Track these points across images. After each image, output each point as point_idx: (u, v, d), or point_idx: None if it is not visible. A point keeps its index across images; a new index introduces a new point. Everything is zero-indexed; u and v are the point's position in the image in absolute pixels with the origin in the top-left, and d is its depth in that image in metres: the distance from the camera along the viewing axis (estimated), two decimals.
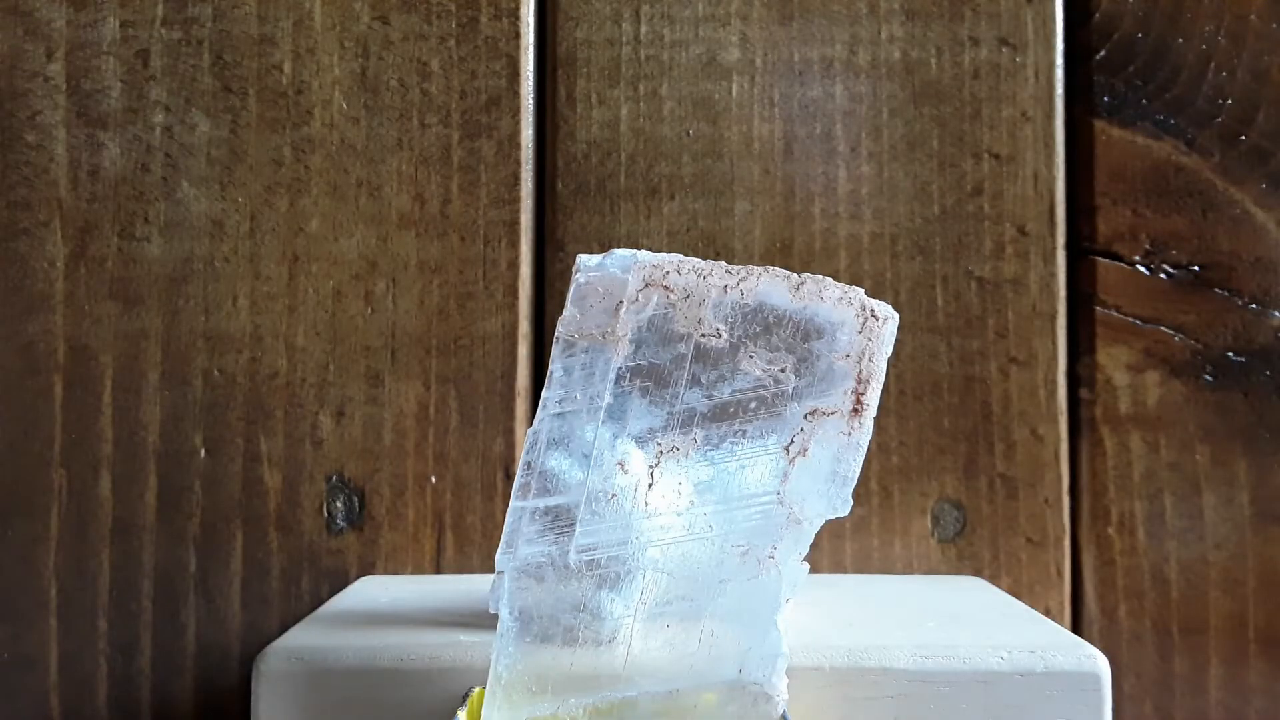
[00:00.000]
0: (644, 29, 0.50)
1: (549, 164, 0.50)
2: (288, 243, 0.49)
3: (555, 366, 0.31)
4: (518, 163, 0.49)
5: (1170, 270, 0.49)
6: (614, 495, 0.31)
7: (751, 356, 0.31)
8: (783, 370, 0.31)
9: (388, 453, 0.48)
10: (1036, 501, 0.49)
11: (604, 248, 0.49)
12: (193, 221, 0.49)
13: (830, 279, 0.31)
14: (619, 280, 0.31)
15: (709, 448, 0.31)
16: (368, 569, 0.48)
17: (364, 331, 0.49)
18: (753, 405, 0.31)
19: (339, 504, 0.48)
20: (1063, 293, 0.49)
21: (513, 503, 0.31)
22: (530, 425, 0.49)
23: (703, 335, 0.31)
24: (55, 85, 0.49)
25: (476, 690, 0.32)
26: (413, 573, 0.48)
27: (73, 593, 0.48)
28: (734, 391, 0.31)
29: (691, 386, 0.31)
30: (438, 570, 0.48)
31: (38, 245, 0.49)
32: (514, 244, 0.49)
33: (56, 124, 0.49)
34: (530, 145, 0.50)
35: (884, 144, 0.49)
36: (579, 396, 0.31)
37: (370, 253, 0.49)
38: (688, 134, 0.49)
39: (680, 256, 0.32)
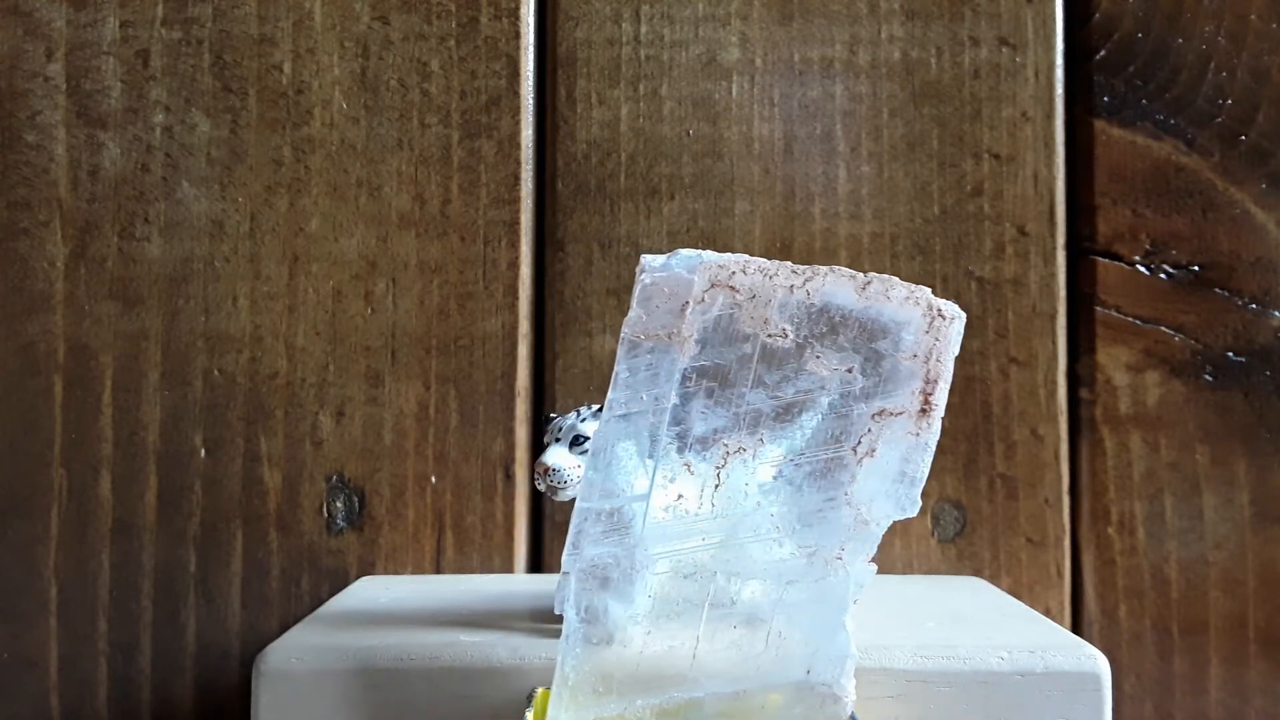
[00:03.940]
0: (644, 29, 0.50)
1: (549, 164, 0.50)
2: (288, 243, 0.49)
3: (620, 368, 0.31)
4: (518, 163, 0.49)
5: (1170, 270, 0.49)
6: (680, 496, 0.31)
7: (818, 357, 0.31)
8: (849, 370, 0.31)
9: (388, 453, 0.48)
10: (1036, 501, 0.49)
11: (604, 248, 0.49)
12: (193, 221, 0.49)
13: (896, 278, 0.31)
14: (684, 280, 0.31)
15: (775, 449, 0.31)
16: (368, 569, 0.48)
17: (364, 331, 0.49)
18: (816, 406, 0.31)
19: (339, 504, 0.48)
20: (1063, 293, 0.49)
21: (578, 504, 0.31)
22: (530, 425, 0.49)
23: (769, 336, 0.31)
24: (55, 85, 0.49)
25: (540, 691, 0.32)
26: (413, 573, 0.48)
27: (73, 593, 0.48)
28: (798, 392, 0.31)
29: (756, 387, 0.31)
30: (438, 570, 0.48)
31: (38, 245, 0.49)
32: (514, 244, 0.49)
33: (56, 124, 0.49)
34: (530, 145, 0.50)
35: (884, 144, 0.49)
36: (644, 398, 0.31)
37: (370, 253, 0.49)
38: (688, 134, 0.49)
39: (746, 256, 0.31)
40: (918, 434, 0.31)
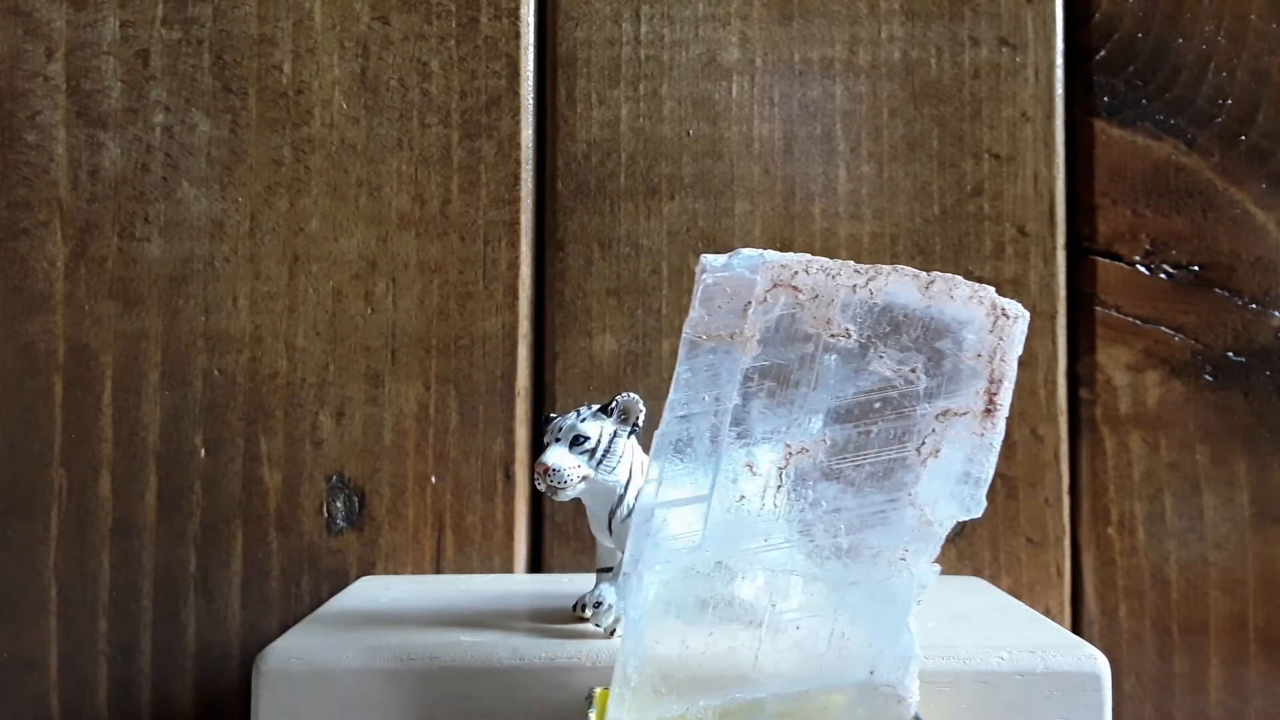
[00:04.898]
0: (644, 29, 0.50)
1: (549, 164, 0.50)
2: (288, 243, 0.49)
3: (681, 368, 0.31)
4: (518, 163, 0.49)
5: (1170, 270, 0.49)
6: (742, 497, 0.31)
7: (882, 356, 0.31)
8: (913, 370, 0.30)
9: (388, 453, 0.48)
10: (1036, 501, 0.49)
11: (604, 248, 0.49)
12: (193, 221, 0.49)
13: (960, 277, 0.31)
14: (746, 280, 0.31)
15: (837, 449, 0.31)
16: (368, 569, 0.48)
17: (364, 331, 0.49)
18: (878, 405, 0.31)
19: (339, 504, 0.48)
20: (1063, 293, 0.49)
21: (639, 504, 0.31)
22: (530, 425, 0.49)
23: (831, 335, 0.31)
24: (55, 85, 0.49)
25: (599, 691, 0.32)
26: (413, 573, 0.48)
27: (73, 593, 0.48)
28: (860, 392, 0.31)
29: (818, 387, 0.31)
30: (438, 570, 0.48)
31: (38, 245, 0.49)
32: (514, 244, 0.49)
33: (56, 124, 0.49)
34: (530, 145, 0.50)
35: (884, 144, 0.49)
36: (705, 398, 0.31)
37: (370, 253, 0.49)
38: (688, 134, 0.49)
39: (808, 256, 0.31)
40: (982, 434, 0.30)
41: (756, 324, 0.31)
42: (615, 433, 0.36)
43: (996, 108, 0.49)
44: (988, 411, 0.30)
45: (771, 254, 0.31)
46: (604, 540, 0.37)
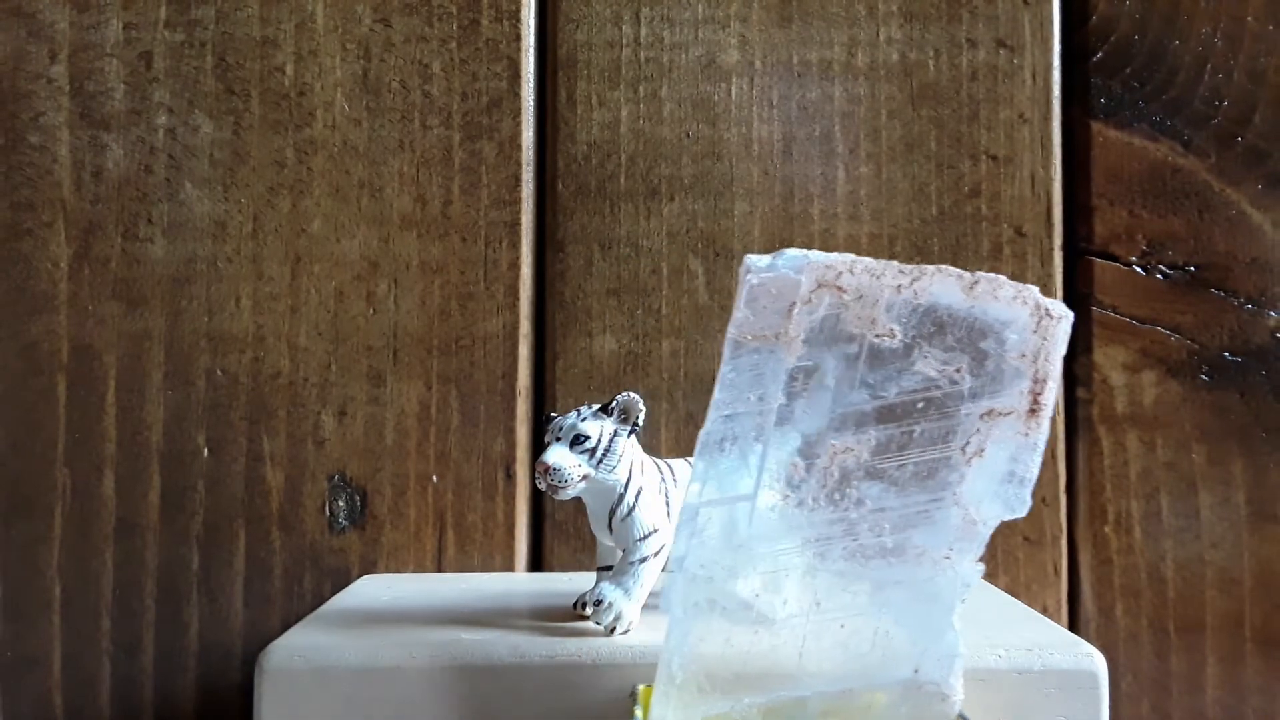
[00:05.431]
0: (644, 31, 0.50)
1: (549, 165, 0.50)
2: (290, 243, 0.49)
3: (725, 368, 0.31)
4: (518, 164, 0.49)
5: (1167, 271, 0.49)
6: (786, 496, 0.31)
7: (926, 356, 0.31)
8: (958, 370, 0.31)
9: (389, 452, 0.49)
10: (1034, 500, 0.49)
11: (604, 249, 0.49)
12: (196, 222, 0.49)
13: (1004, 278, 0.31)
14: (791, 281, 0.31)
15: (881, 449, 0.31)
16: (369, 568, 0.48)
17: (366, 332, 0.49)
18: (921, 405, 0.31)
19: (341, 503, 0.48)
20: (1060, 293, 0.49)
21: (685, 503, 0.31)
22: (530, 425, 0.50)
23: (876, 336, 0.31)
24: (59, 87, 0.49)
25: (643, 688, 0.32)
26: (414, 571, 0.48)
27: (75, 592, 0.48)
28: (901, 392, 0.31)
29: (862, 387, 0.31)
30: (439, 569, 0.49)
31: (41, 246, 0.49)
32: (515, 245, 0.49)
33: (60, 125, 0.49)
34: (531, 147, 0.50)
35: (882, 145, 0.50)
36: (749, 398, 0.31)
37: (372, 253, 0.49)
38: (687, 135, 0.50)
39: (852, 256, 0.31)
40: (1026, 434, 0.30)
41: (801, 324, 0.31)
42: (615, 432, 0.36)
43: (994, 109, 0.49)
44: (1032, 411, 0.30)
45: (816, 254, 0.31)
46: (604, 539, 0.37)
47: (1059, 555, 0.49)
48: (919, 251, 0.49)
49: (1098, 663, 0.34)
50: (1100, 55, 0.50)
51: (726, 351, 0.31)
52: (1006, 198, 0.49)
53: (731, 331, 0.31)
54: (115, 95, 0.49)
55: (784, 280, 0.31)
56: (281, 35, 0.50)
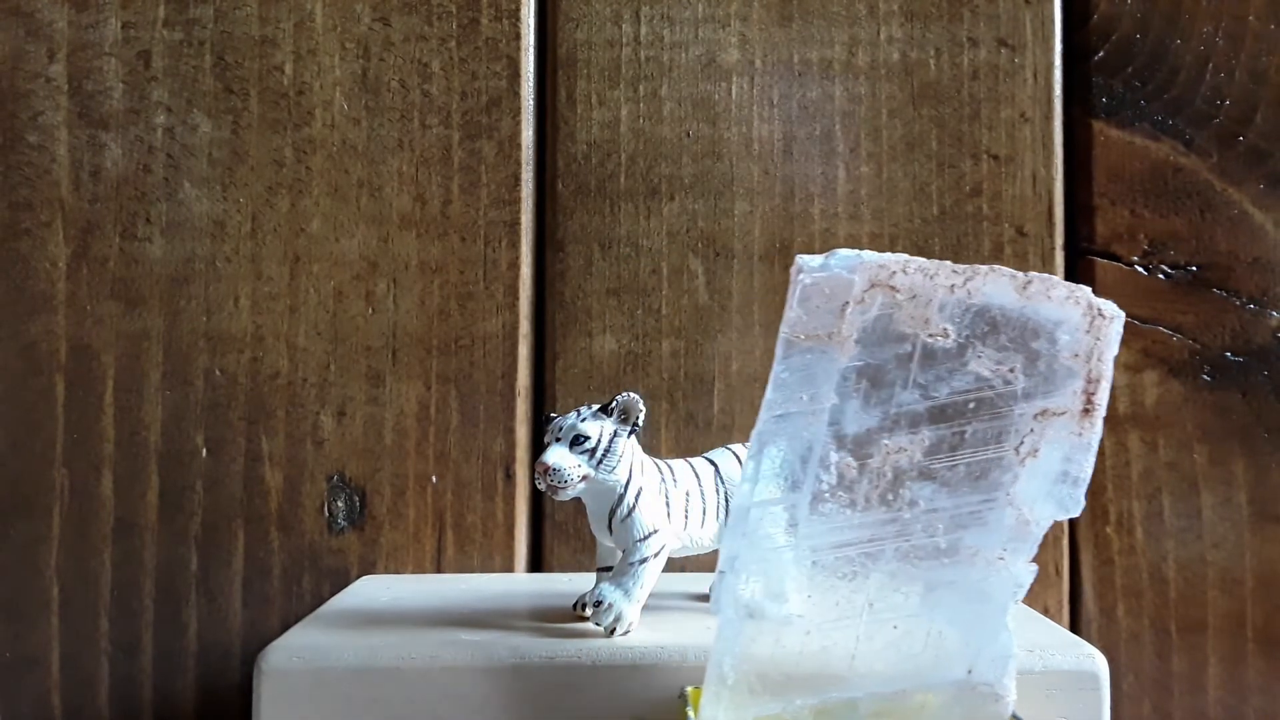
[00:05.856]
0: (644, 30, 0.50)
1: (549, 164, 0.50)
2: (289, 243, 0.49)
3: (778, 368, 0.31)
4: (518, 163, 0.49)
5: (1168, 270, 0.49)
6: (838, 496, 0.31)
7: (980, 356, 0.30)
8: (1011, 370, 0.30)
9: (389, 452, 0.49)
10: None
11: (604, 248, 0.49)
12: (194, 222, 0.49)
13: (1056, 278, 0.31)
14: (844, 281, 0.31)
15: (934, 449, 0.31)
16: (369, 568, 0.48)
17: (365, 331, 0.49)
18: (973, 406, 0.31)
19: (340, 503, 0.48)
20: None
21: (735, 503, 0.31)
22: (530, 425, 0.49)
23: (929, 336, 0.31)
24: (57, 86, 0.49)
25: (691, 690, 0.32)
26: (413, 572, 0.48)
27: (74, 592, 0.48)
28: (953, 392, 0.31)
29: (914, 388, 0.31)
30: (438, 569, 0.48)
31: (40, 246, 0.49)
32: (514, 244, 0.49)
33: (58, 125, 0.49)
34: (531, 146, 0.50)
35: (883, 145, 0.49)
36: (802, 398, 0.31)
37: (371, 253, 0.49)
38: (687, 135, 0.50)
39: (905, 256, 0.31)
40: (1080, 434, 0.30)
41: (854, 324, 0.31)
42: (615, 432, 0.36)
43: (995, 108, 0.49)
44: (1086, 411, 0.30)
45: (869, 254, 0.31)
46: (604, 539, 0.37)
47: (1060, 555, 0.49)
48: (919, 251, 0.49)
49: (1099, 663, 0.34)
50: (1102, 54, 0.50)
51: (779, 351, 0.31)
52: (1008, 197, 0.49)
53: (784, 331, 0.31)
54: (114, 94, 0.49)
55: (837, 280, 0.31)
56: (280, 34, 0.49)
